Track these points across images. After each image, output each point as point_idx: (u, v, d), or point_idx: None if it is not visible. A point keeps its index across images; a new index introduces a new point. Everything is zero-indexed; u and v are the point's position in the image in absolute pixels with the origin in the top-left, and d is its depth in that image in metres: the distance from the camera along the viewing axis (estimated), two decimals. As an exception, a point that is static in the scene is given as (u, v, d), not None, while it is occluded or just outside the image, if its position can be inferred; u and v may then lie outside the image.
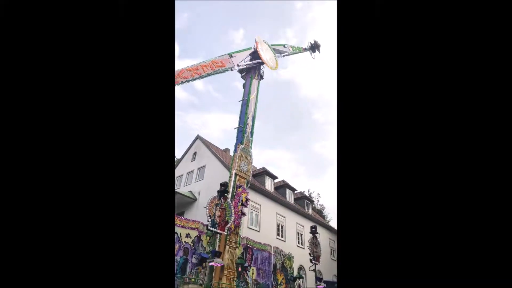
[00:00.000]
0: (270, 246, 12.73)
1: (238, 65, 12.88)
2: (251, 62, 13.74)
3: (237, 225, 10.34)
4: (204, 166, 15.71)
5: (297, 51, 16.82)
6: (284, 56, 16.24)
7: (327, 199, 64.38)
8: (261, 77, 14.18)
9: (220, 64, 11.95)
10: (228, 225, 9.36)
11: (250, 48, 13.49)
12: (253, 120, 13.05)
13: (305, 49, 17.41)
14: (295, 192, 19.35)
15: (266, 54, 14.17)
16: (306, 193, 24.85)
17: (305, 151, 71.51)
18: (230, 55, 12.51)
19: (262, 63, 13.98)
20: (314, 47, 17.49)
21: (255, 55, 13.80)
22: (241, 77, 14.53)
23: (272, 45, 15.18)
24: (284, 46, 16.16)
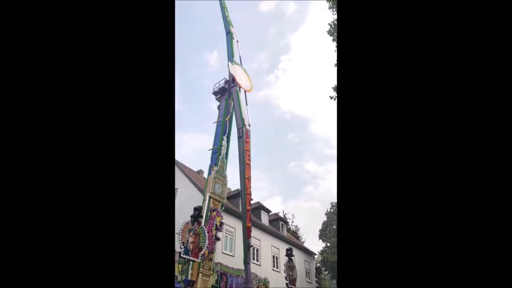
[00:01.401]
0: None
1: (249, 124, 13.45)
2: (226, 85, 14.05)
3: (211, 251, 9.95)
4: (176, 189, 15.18)
5: (226, 12, 16.61)
6: (237, 42, 15.74)
7: (301, 219, 64.78)
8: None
9: (247, 139, 12.84)
10: (202, 251, 8.98)
11: (239, 100, 13.64)
12: (228, 142, 13.02)
13: None
14: (270, 213, 19.21)
15: (241, 79, 14.49)
16: (281, 214, 24.75)
17: (279, 171, 72.12)
18: (243, 125, 12.97)
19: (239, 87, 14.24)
20: None
21: (231, 79, 14.06)
22: (216, 99, 14.62)
23: (230, 52, 14.99)
24: (233, 37, 15.50)
